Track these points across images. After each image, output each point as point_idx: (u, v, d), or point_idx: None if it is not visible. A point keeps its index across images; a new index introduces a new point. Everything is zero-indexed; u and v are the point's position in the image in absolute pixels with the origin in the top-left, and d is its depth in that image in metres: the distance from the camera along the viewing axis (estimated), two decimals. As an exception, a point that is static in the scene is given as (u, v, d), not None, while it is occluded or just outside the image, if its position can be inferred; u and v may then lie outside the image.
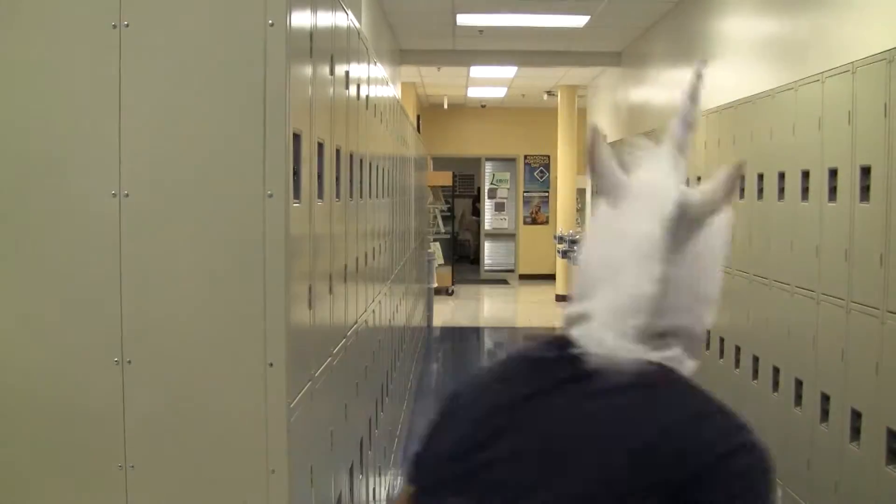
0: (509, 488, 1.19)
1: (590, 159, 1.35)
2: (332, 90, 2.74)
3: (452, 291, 15.29)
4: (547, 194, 17.96)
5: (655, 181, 1.28)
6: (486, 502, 1.20)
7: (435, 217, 14.96)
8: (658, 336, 1.24)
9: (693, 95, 1.49)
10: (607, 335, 1.21)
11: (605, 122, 13.57)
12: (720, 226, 1.28)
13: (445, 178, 15.50)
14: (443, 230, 15.49)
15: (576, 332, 1.25)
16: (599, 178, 1.32)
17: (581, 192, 14.93)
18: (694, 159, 6.62)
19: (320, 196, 2.55)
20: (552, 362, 1.27)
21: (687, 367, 1.26)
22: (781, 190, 4.82)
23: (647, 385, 1.20)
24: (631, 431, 1.16)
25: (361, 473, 3.48)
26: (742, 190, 5.48)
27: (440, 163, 16.51)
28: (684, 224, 1.24)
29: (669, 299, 1.23)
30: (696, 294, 1.27)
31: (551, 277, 15.49)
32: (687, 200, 1.25)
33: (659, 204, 1.24)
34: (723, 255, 1.29)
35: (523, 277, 17.71)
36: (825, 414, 4.25)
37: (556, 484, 1.17)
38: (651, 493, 1.12)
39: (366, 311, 3.64)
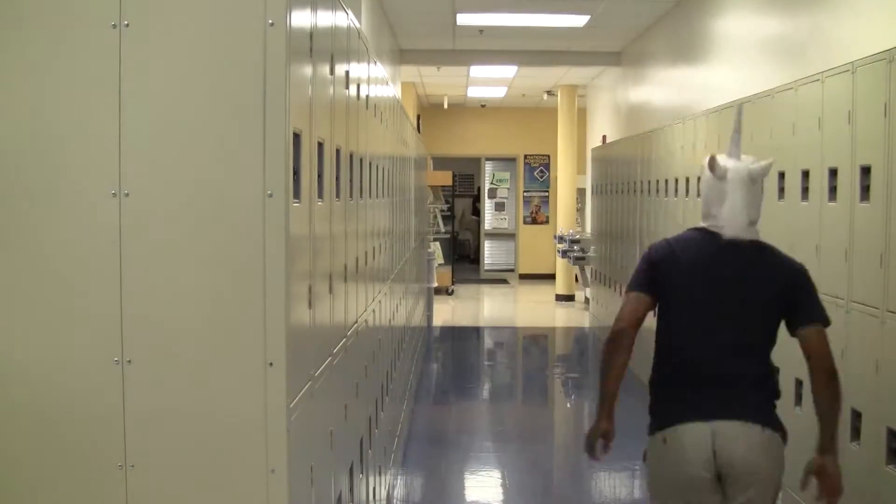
0: (684, 287, 2.95)
1: (735, 137, 3.13)
2: (332, 90, 2.74)
3: (452, 291, 15.29)
4: (547, 194, 17.96)
5: (738, 164, 2.98)
6: (673, 290, 2.95)
7: (435, 217, 14.96)
8: (750, 224, 2.92)
9: (737, 127, 3.13)
10: (732, 226, 2.89)
11: (604, 121, 13.57)
12: (764, 178, 3.00)
13: (445, 178, 15.50)
14: (443, 230, 15.49)
15: (708, 226, 2.97)
16: (717, 176, 2.99)
17: (581, 192, 14.94)
18: (695, 158, 6.63)
19: (320, 196, 2.55)
20: (704, 235, 2.98)
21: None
22: (781, 190, 4.82)
23: (765, 247, 2.98)
24: (770, 268, 2.98)
25: (361, 473, 3.48)
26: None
27: (440, 162, 16.51)
28: (756, 177, 2.95)
29: (754, 209, 2.92)
30: (760, 207, 2.96)
31: (551, 277, 15.49)
32: (755, 169, 2.96)
33: (743, 170, 2.96)
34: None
35: (523, 277, 17.71)
36: (825, 414, 4.24)
37: (710, 289, 2.94)
38: (778, 293, 2.95)
39: (366, 310, 3.64)
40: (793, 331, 3.01)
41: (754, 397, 2.96)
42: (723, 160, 2.99)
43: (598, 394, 3.13)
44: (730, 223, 2.89)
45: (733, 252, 2.90)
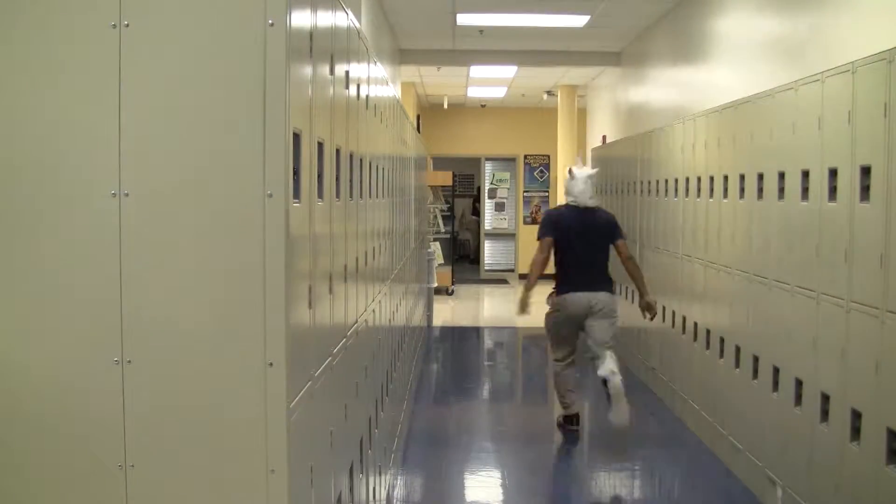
0: (565, 235, 6.39)
1: (569, 173, 6.62)
2: (331, 90, 2.74)
3: (452, 291, 15.29)
4: (547, 194, 17.95)
5: (583, 171, 6.47)
6: (561, 236, 6.39)
7: (435, 217, 14.95)
8: (590, 199, 6.42)
9: (582, 162, 7.81)
10: (581, 200, 6.38)
11: (604, 121, 13.57)
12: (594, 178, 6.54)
13: (445, 178, 15.49)
14: (443, 230, 15.49)
15: (570, 201, 6.45)
16: (571, 178, 6.49)
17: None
18: (695, 158, 6.62)
19: (320, 196, 2.55)
20: (568, 208, 6.49)
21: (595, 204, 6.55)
22: (781, 190, 4.82)
23: (598, 209, 6.55)
24: (600, 220, 6.49)
25: (361, 473, 3.48)
26: (742, 190, 5.49)
27: (440, 162, 16.51)
28: (589, 178, 6.43)
29: (589, 193, 6.40)
30: (592, 192, 6.45)
31: (551, 277, 15.47)
32: (591, 174, 6.48)
33: (585, 175, 6.43)
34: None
35: (523, 277, 17.66)
36: (825, 414, 4.25)
37: (576, 234, 6.37)
38: (606, 232, 6.44)
39: (366, 310, 3.64)
40: (613, 245, 6.48)
41: (602, 282, 6.41)
42: (574, 169, 6.53)
43: (526, 282, 6.49)
44: (580, 199, 6.42)
45: (583, 213, 6.43)
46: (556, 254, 6.43)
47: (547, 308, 6.71)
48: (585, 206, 6.38)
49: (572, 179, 6.39)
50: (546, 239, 6.39)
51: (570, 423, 6.60)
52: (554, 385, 6.79)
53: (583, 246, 6.35)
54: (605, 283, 6.41)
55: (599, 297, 6.31)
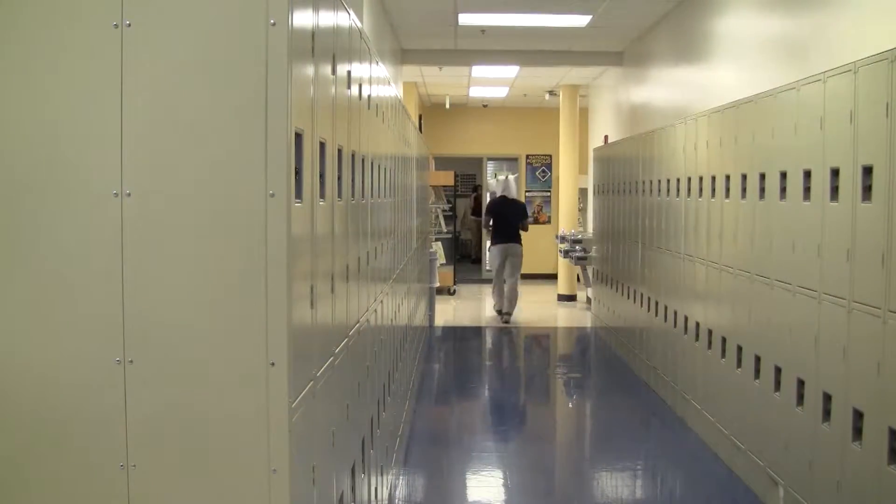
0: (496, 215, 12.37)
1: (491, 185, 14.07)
2: (333, 90, 2.74)
3: (454, 291, 15.29)
4: (549, 194, 17.95)
5: (507, 178, 12.75)
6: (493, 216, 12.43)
7: (437, 216, 14.96)
8: (508, 192, 12.48)
9: (509, 174, 14.45)
10: (508, 193, 12.42)
11: (606, 121, 13.56)
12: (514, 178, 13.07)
13: (447, 178, 15.49)
14: (444, 230, 15.49)
15: (499, 195, 12.50)
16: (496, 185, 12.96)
17: (583, 192, 14.94)
18: (697, 158, 6.62)
19: (322, 196, 2.55)
20: (498, 199, 12.48)
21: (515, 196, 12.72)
22: (783, 190, 4.82)
23: (513, 201, 12.46)
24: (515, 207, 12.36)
25: (363, 473, 3.48)
26: (744, 189, 5.49)
27: (442, 162, 16.51)
28: (511, 180, 12.70)
29: (511, 189, 12.48)
30: (513, 188, 12.62)
31: (553, 277, 15.49)
32: (511, 178, 12.82)
33: (507, 180, 12.61)
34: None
35: (525, 277, 17.65)
36: (827, 413, 4.25)
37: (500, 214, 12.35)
38: (515, 214, 12.34)
39: (368, 310, 3.64)
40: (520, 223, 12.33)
41: (515, 237, 12.28)
42: (501, 175, 13.66)
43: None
44: (503, 192, 12.40)
45: (504, 202, 12.26)
46: (493, 224, 12.39)
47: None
48: (504, 197, 12.41)
49: (506, 181, 12.54)
50: (488, 216, 12.52)
51: (499, 313, 12.30)
52: (492, 292, 12.65)
53: (505, 220, 12.22)
54: (516, 237, 12.29)
55: (514, 247, 12.23)
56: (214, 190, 2.10)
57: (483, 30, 10.48)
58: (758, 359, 5.19)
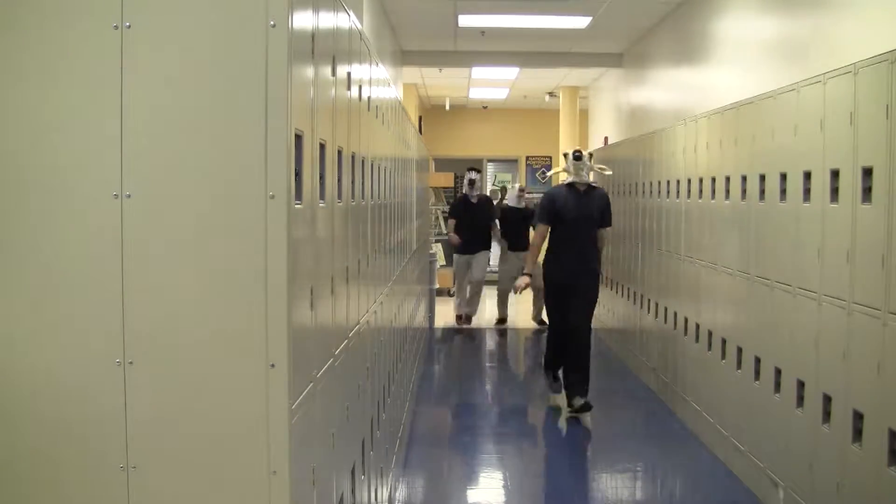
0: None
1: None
2: (333, 91, 2.74)
3: (454, 293, 15.27)
4: (549, 195, 17.95)
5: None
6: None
7: (437, 218, 14.95)
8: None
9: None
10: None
11: (606, 123, 13.57)
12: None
13: (447, 179, 15.50)
14: (444, 231, 15.48)
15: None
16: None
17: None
18: (697, 159, 6.62)
19: (322, 197, 2.55)
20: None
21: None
22: (783, 191, 4.82)
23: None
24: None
25: (363, 474, 3.48)
26: (744, 191, 5.48)
27: (442, 164, 16.51)
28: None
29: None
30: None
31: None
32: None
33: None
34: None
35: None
36: (827, 415, 4.24)
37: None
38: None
39: (367, 312, 3.64)
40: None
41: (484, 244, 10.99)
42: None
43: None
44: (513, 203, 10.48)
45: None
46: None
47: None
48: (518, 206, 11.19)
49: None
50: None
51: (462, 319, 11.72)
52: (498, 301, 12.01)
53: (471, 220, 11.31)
54: (486, 244, 11.47)
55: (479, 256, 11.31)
56: (214, 191, 2.10)
57: (483, 31, 10.49)
58: (758, 360, 5.19)
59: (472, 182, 11.37)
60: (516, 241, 11.26)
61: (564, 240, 7.05)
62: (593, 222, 7.10)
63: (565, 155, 7.29)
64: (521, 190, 11.61)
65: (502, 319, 11.83)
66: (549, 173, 8.54)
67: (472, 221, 11.22)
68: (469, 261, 11.29)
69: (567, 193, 7.11)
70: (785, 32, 6.24)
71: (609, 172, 7.89)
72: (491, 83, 14.78)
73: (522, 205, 11.29)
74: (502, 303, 11.86)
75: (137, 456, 2.13)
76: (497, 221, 11.47)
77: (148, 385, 2.12)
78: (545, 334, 8.45)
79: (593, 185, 7.30)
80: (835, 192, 4.18)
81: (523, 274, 7.36)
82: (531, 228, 11.07)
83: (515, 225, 11.28)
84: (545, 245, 7.23)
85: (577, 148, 7.31)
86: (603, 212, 7.16)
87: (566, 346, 7.16)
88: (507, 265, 11.42)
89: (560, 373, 7.40)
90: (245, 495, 2.13)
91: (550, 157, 17.72)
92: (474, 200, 11.37)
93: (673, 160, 7.35)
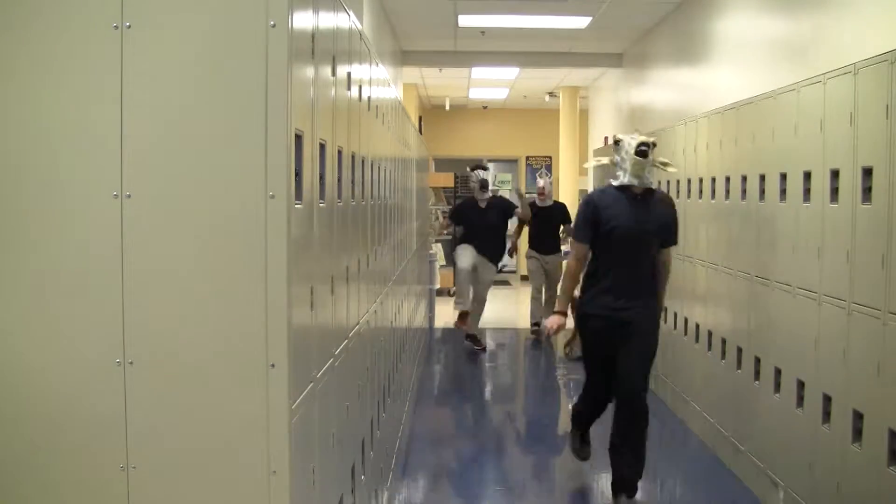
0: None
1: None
2: (333, 91, 2.74)
3: (454, 292, 15.27)
4: (549, 195, 17.94)
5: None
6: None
7: (437, 218, 14.94)
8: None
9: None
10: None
11: (606, 122, 13.57)
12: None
13: (447, 179, 15.50)
14: (437, 232, 15.47)
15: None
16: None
17: (583, 194, 14.93)
18: (697, 159, 6.62)
19: (322, 197, 2.55)
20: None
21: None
22: (783, 191, 4.82)
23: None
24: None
25: (363, 474, 3.48)
26: (744, 191, 5.48)
27: (442, 164, 16.51)
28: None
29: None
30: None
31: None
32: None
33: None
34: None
35: (525, 278, 17.68)
36: (827, 415, 4.24)
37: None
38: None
39: (367, 312, 3.64)
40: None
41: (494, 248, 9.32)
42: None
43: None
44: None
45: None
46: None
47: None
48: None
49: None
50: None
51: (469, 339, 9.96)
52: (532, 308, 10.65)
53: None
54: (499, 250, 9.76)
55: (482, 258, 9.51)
56: (214, 191, 2.10)
57: (483, 31, 10.49)
58: (758, 360, 5.19)
59: (483, 184, 9.63)
60: (545, 243, 10.46)
61: (612, 264, 4.84)
62: (653, 240, 4.85)
63: (617, 142, 4.85)
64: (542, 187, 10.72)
65: (536, 324, 10.58)
66: (585, 165, 6.45)
67: (483, 229, 9.43)
68: (474, 275, 9.49)
69: (617, 198, 4.82)
70: (785, 32, 6.24)
71: (674, 170, 5.39)
72: (491, 83, 14.77)
73: (550, 202, 10.63)
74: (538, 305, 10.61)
75: (137, 456, 2.13)
76: (516, 223, 10.19)
77: (148, 385, 2.12)
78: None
79: (651, 186, 4.87)
80: (835, 192, 4.18)
81: (554, 312, 5.14)
82: (559, 228, 10.47)
83: (546, 224, 10.42)
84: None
85: (642, 138, 4.77)
86: (667, 226, 4.90)
87: (604, 407, 5.29)
88: (534, 265, 10.50)
89: (590, 432, 5.52)
90: (245, 495, 2.13)
91: (550, 157, 17.72)
92: (483, 205, 9.56)
93: (673, 160, 7.34)
